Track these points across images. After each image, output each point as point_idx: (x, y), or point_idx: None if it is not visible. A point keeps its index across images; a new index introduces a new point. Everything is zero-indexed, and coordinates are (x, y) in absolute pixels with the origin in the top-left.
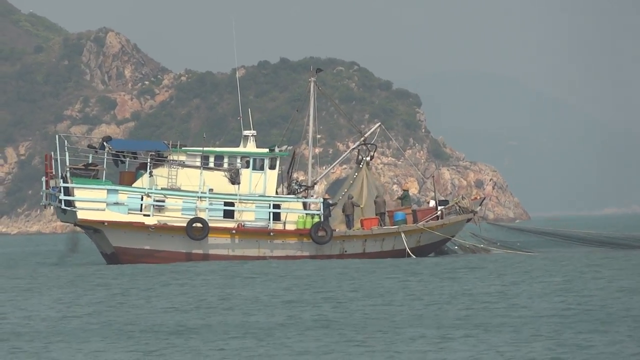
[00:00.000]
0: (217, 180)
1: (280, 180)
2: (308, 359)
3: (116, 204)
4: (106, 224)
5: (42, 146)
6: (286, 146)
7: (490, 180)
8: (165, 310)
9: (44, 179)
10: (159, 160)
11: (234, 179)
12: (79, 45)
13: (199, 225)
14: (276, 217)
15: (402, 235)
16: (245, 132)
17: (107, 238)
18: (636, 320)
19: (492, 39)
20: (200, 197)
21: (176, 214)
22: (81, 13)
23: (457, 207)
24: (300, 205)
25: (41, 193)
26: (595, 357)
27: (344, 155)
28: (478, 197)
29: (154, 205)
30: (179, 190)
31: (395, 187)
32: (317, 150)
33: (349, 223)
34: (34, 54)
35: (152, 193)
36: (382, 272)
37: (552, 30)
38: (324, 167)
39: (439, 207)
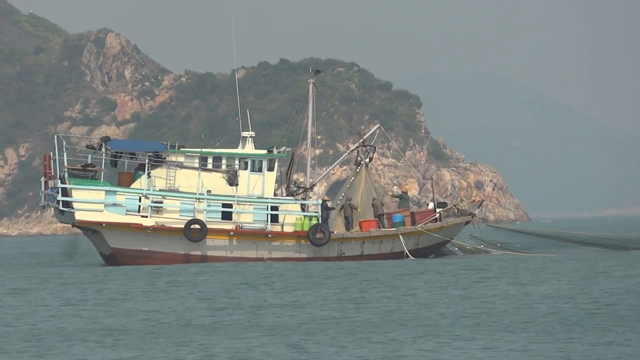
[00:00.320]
0: (215, 182)
1: (279, 182)
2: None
3: (114, 205)
4: (104, 225)
5: (43, 147)
6: (285, 147)
7: (490, 182)
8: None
9: (43, 179)
10: (157, 161)
11: (232, 181)
12: (79, 46)
13: (196, 226)
14: (274, 218)
15: (400, 237)
16: (244, 134)
17: (105, 239)
18: None
19: (493, 39)
20: (198, 199)
21: (174, 216)
22: (81, 14)
23: (456, 210)
24: (298, 207)
25: (40, 193)
26: None
27: (342, 156)
28: (476, 200)
29: (152, 207)
30: (177, 191)
31: (395, 188)
32: (317, 152)
33: (348, 225)
34: (34, 54)
35: (150, 194)
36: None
37: (554, 31)
38: (324, 168)
39: (438, 210)
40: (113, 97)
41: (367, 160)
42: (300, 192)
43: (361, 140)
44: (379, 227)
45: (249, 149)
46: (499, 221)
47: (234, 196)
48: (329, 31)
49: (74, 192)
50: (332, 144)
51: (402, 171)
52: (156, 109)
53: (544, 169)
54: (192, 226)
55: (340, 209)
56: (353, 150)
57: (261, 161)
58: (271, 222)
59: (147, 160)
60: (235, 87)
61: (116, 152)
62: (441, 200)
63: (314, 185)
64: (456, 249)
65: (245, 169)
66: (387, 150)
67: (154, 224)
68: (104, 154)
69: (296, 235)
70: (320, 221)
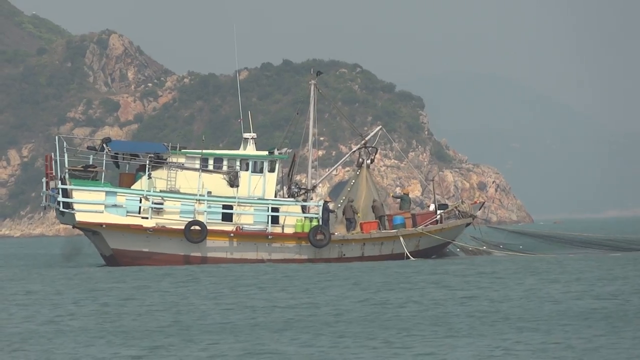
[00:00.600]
0: (216, 183)
1: (282, 184)
2: None
3: (114, 206)
4: (104, 226)
5: (45, 148)
6: (286, 149)
7: (493, 183)
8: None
9: (44, 180)
10: (158, 162)
11: (233, 182)
12: (82, 47)
13: (197, 228)
14: (275, 220)
15: (401, 239)
16: (245, 135)
17: (105, 240)
18: None
19: (495, 40)
20: (199, 200)
21: (174, 217)
22: (84, 15)
23: (457, 211)
24: (298, 209)
25: (41, 194)
26: None
27: (344, 158)
28: (478, 201)
29: (152, 208)
30: (177, 192)
31: (398, 189)
32: (320, 153)
33: (349, 226)
34: (37, 56)
35: (150, 195)
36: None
37: (553, 31)
38: (327, 170)
39: (439, 211)
40: (116, 98)
41: (368, 161)
42: (301, 193)
43: (363, 141)
44: (379, 229)
45: (250, 150)
46: (502, 222)
47: (234, 197)
48: (331, 32)
49: (74, 193)
50: (334, 145)
51: (405, 172)
52: (159, 110)
53: (546, 170)
54: (192, 227)
55: (343, 211)
56: (355, 151)
57: (262, 162)
58: (272, 223)
59: (147, 162)
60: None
61: (117, 153)
62: (443, 202)
63: (315, 187)
64: (458, 250)
65: (247, 170)
66: (390, 152)
67: (154, 225)
68: (104, 155)
69: (296, 237)
70: (321, 223)
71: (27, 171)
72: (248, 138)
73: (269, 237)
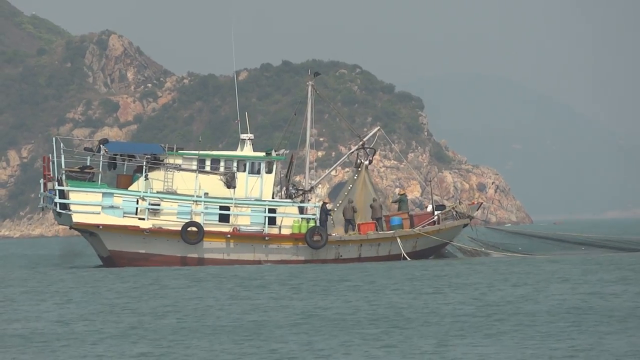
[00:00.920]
0: (213, 184)
1: (281, 185)
2: None
3: (111, 207)
4: (101, 227)
5: (45, 149)
6: (283, 150)
7: (492, 184)
8: None
9: (42, 181)
10: (155, 163)
11: (230, 183)
12: (82, 47)
13: (193, 229)
14: (272, 221)
15: (398, 240)
16: (243, 136)
17: (102, 241)
18: None
19: (494, 41)
20: (196, 201)
21: (171, 218)
22: (84, 15)
23: (454, 212)
24: (295, 210)
25: (39, 195)
26: None
27: (341, 159)
28: (475, 202)
29: (149, 209)
30: (174, 193)
31: (397, 190)
32: (319, 154)
33: (348, 227)
34: (37, 56)
35: (147, 196)
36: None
37: (555, 32)
38: (326, 171)
39: (436, 212)
40: (115, 98)
41: (366, 162)
42: (298, 194)
43: (361, 142)
44: (377, 230)
45: (247, 151)
46: (500, 223)
47: (231, 198)
48: (331, 33)
49: (71, 194)
50: (334, 146)
51: (404, 173)
52: (159, 111)
53: (546, 171)
54: (189, 229)
55: (343, 212)
56: (352, 152)
57: (259, 163)
58: (269, 224)
59: (144, 163)
60: (238, 88)
61: (114, 155)
62: (441, 202)
63: (312, 188)
64: (457, 250)
65: (244, 171)
66: (390, 153)
67: (151, 226)
68: (101, 157)
69: (293, 238)
70: (318, 224)
71: (26, 172)
72: (245, 139)
73: (266, 238)
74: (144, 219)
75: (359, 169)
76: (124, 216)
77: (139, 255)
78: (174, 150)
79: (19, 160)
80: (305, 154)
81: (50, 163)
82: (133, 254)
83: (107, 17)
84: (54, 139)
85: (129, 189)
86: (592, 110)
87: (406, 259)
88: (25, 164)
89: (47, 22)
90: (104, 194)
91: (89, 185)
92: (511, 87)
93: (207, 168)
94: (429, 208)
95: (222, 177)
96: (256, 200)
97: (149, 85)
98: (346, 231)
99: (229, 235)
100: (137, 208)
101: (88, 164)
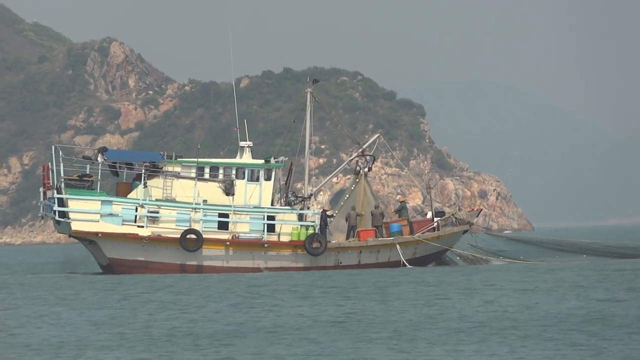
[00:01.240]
0: (212, 192)
1: (281, 192)
2: None
3: (110, 215)
4: (100, 235)
5: (46, 156)
6: (282, 157)
7: (494, 191)
8: None
9: (41, 189)
10: (154, 171)
11: (229, 190)
12: (83, 55)
13: (192, 236)
14: (271, 228)
15: (398, 246)
16: (242, 143)
17: (101, 249)
18: None
19: (494, 47)
20: (195, 209)
21: (170, 225)
22: (85, 23)
23: (454, 219)
24: (294, 217)
25: (39, 204)
26: None
27: (341, 166)
28: (475, 209)
29: (148, 217)
30: (173, 201)
31: (399, 197)
32: (321, 161)
33: (349, 234)
34: (38, 63)
35: (146, 204)
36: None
37: (556, 38)
38: (326, 177)
39: (435, 219)
40: (117, 105)
41: (366, 169)
42: (298, 201)
43: (360, 150)
44: (377, 237)
45: (246, 158)
46: (502, 230)
47: (230, 206)
48: (333, 40)
49: (70, 202)
50: (335, 153)
51: (406, 180)
52: (160, 118)
53: (547, 178)
54: (188, 236)
55: (346, 218)
56: (351, 160)
57: (258, 171)
58: (268, 231)
59: (143, 171)
60: (239, 95)
61: (113, 163)
62: (442, 209)
63: (312, 195)
64: (457, 257)
65: (243, 178)
66: (391, 160)
67: (150, 234)
68: (100, 165)
69: (292, 245)
70: (318, 231)
71: (28, 179)
72: (244, 146)
73: (265, 245)
74: (143, 227)
75: (359, 176)
76: (123, 224)
77: (138, 263)
78: (173, 157)
79: (21, 167)
80: (305, 161)
81: (50, 171)
82: (132, 261)
83: (109, 24)
84: (53, 147)
85: (128, 196)
86: (593, 117)
87: (406, 265)
88: (26, 171)
89: (48, 29)
90: (102, 201)
91: (87, 193)
92: (512, 93)
93: (206, 175)
94: (429, 215)
95: (220, 184)
96: (255, 207)
97: (151, 92)
98: (348, 237)
99: (228, 243)
100: (136, 216)
101: (87, 172)
